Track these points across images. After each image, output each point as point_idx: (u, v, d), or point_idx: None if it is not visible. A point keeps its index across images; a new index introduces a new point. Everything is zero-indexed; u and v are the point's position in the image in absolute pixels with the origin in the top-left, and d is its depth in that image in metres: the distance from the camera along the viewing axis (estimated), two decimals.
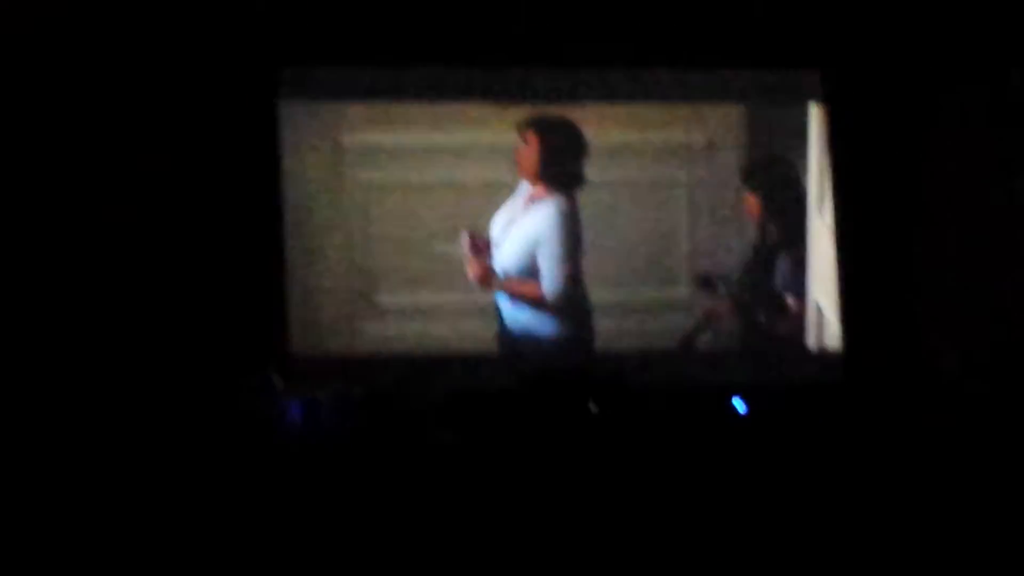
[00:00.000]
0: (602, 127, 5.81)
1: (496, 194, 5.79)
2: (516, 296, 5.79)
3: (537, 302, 5.77)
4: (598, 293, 5.80)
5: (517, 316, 5.79)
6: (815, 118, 5.85)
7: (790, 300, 5.84)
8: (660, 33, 5.67)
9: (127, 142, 5.34)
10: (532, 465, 4.66)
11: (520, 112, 5.77)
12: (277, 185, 5.56)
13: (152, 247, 5.33)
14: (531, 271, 5.77)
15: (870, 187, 5.76)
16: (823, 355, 5.83)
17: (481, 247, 5.76)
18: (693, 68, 5.83)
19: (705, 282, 5.82)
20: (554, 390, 4.97)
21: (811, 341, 5.86)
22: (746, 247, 5.85)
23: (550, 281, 5.76)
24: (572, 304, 5.80)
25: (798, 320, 5.87)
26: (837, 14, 5.70)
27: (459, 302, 5.76)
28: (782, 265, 5.83)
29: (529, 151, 5.78)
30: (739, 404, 5.33)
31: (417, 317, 5.73)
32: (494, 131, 5.78)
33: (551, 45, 5.67)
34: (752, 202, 5.83)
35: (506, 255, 5.78)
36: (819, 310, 5.85)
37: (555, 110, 5.80)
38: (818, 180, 5.86)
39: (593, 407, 4.90)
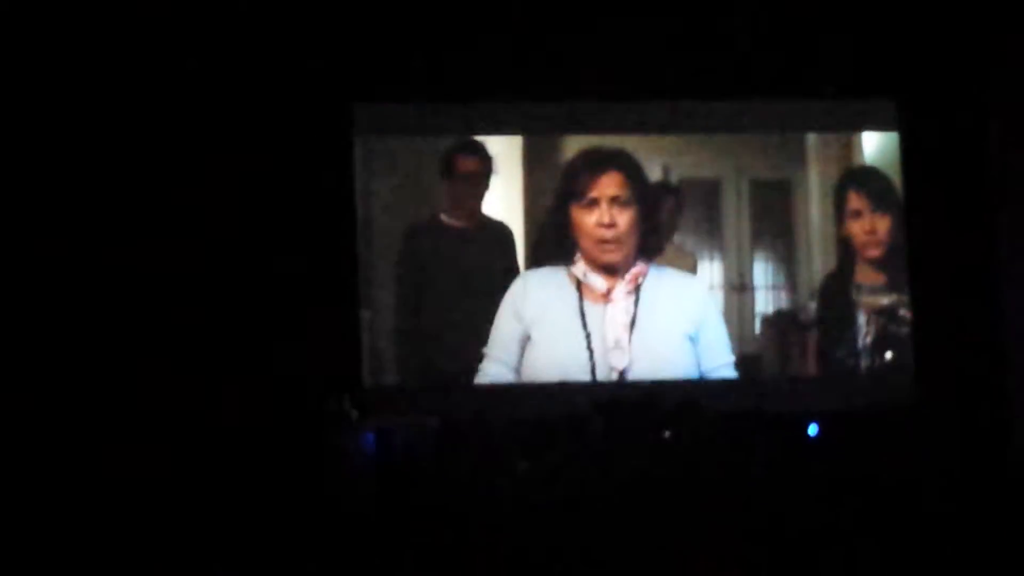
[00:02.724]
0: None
1: None
2: None
3: None
4: None
5: None
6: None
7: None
8: (740, 69, 5.71)
9: (215, 181, 5.41)
10: (606, 491, 4.71)
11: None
12: (354, 222, 5.62)
13: (230, 283, 5.42)
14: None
15: (940, 203, 5.75)
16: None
17: None
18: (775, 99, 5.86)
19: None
20: (627, 417, 4.99)
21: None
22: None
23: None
24: None
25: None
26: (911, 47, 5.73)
27: None
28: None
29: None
30: (812, 428, 5.31)
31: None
32: None
33: (612, 79, 5.70)
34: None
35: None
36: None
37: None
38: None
39: (667, 433, 4.93)
